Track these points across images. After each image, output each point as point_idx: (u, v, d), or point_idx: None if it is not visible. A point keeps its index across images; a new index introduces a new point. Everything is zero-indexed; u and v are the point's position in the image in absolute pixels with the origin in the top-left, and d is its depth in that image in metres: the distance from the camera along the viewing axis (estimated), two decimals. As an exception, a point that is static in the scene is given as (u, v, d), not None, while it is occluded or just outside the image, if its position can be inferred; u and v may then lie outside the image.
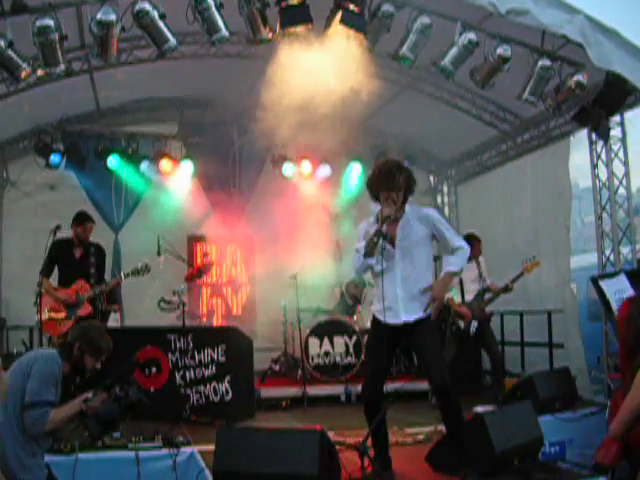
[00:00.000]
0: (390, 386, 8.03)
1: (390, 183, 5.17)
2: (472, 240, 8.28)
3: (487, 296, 8.51)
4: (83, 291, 7.31)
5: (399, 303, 5.16)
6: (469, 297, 8.51)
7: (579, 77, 7.23)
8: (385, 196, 5.16)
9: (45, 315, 7.17)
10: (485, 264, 8.71)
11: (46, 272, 7.37)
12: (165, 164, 10.85)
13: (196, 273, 9.83)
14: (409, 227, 5.23)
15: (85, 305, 7.30)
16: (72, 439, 4.84)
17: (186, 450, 5.05)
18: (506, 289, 8.36)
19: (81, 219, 7.76)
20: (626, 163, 8.36)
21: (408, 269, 5.18)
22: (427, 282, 5.24)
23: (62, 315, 7.20)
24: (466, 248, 5.30)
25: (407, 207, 5.31)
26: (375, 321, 5.36)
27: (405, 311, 5.16)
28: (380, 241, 5.07)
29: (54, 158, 10.11)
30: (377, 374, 5.30)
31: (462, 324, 8.44)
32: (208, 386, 7.74)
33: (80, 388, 4.85)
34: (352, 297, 10.48)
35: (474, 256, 8.55)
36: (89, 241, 7.77)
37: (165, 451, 5.01)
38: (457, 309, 8.45)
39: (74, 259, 7.52)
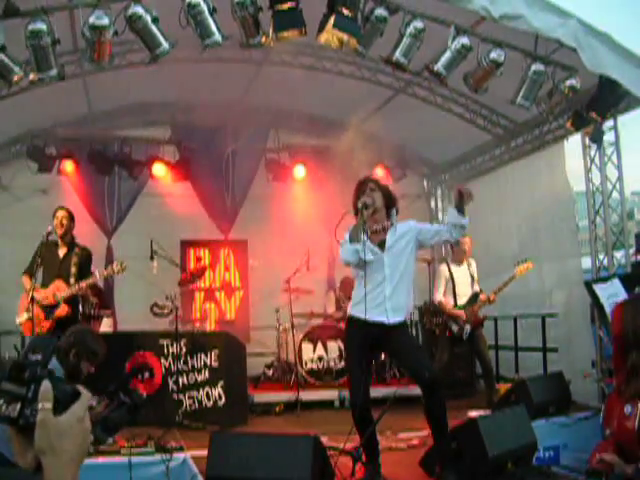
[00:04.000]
0: (384, 391, 8.12)
1: (364, 183, 5.47)
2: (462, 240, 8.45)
3: (479, 301, 8.51)
4: (60, 291, 7.20)
5: (386, 304, 5.21)
6: (462, 301, 8.51)
7: (572, 81, 7.24)
8: (363, 194, 5.36)
9: (24, 317, 7.11)
10: (476, 267, 8.72)
11: (29, 271, 7.30)
12: (158, 168, 10.84)
13: (189, 278, 9.81)
14: (397, 236, 5.36)
15: (62, 306, 7.20)
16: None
17: (179, 456, 5.01)
18: (488, 301, 8.40)
19: (54, 212, 7.64)
20: (619, 167, 8.37)
21: (395, 274, 5.27)
22: (410, 291, 5.40)
23: (40, 316, 7.11)
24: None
25: (395, 220, 5.47)
26: (355, 321, 5.35)
27: (391, 312, 5.22)
28: (363, 224, 5.15)
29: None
30: (363, 383, 5.21)
31: (455, 328, 8.45)
32: (201, 391, 7.72)
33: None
34: (347, 298, 10.46)
35: (465, 257, 8.58)
36: (73, 239, 7.59)
37: (158, 457, 4.96)
38: (451, 312, 8.45)
39: (57, 258, 7.42)
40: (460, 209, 5.25)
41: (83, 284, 7.24)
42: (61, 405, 1.38)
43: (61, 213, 7.52)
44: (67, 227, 7.48)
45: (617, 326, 4.94)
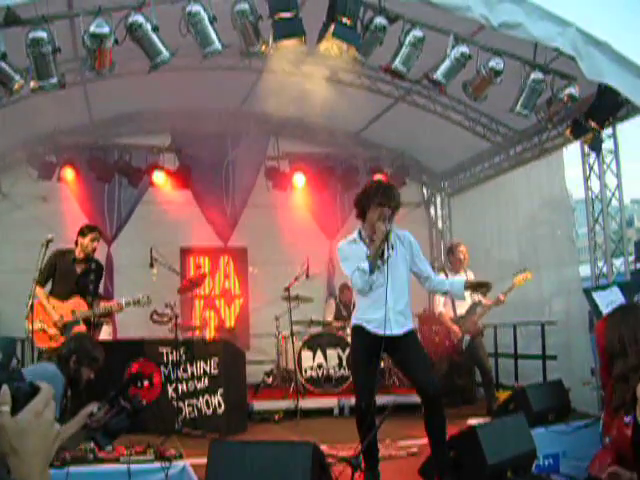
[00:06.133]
0: (384, 399, 8.10)
1: (389, 198, 5.24)
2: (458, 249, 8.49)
3: (479, 310, 8.48)
4: (79, 308, 7.20)
5: (390, 316, 5.15)
6: (462, 311, 8.50)
7: (571, 90, 7.26)
8: (379, 212, 5.19)
9: (37, 325, 7.06)
10: (474, 277, 8.71)
11: (41, 281, 7.27)
12: (158, 176, 10.85)
13: (189, 285, 9.81)
14: (397, 245, 5.32)
15: (80, 325, 7.21)
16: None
17: (178, 464, 4.99)
18: (497, 302, 8.30)
19: (85, 231, 7.58)
20: (618, 175, 8.39)
21: (395, 284, 5.22)
22: (409, 297, 5.37)
23: (55, 331, 7.09)
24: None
25: (394, 227, 5.41)
26: (362, 332, 5.31)
27: (395, 324, 5.20)
28: (385, 254, 5.09)
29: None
30: (371, 385, 5.26)
31: (454, 338, 8.44)
32: (201, 399, 7.70)
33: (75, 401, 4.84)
34: (345, 304, 10.44)
35: (462, 266, 8.56)
36: (92, 256, 7.60)
37: (157, 464, 4.95)
38: (448, 325, 8.44)
39: (74, 273, 7.39)
40: (467, 288, 5.52)
41: (107, 305, 7.40)
42: (19, 404, 1.41)
43: (97, 235, 7.61)
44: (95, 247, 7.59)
45: (602, 340, 4.93)
